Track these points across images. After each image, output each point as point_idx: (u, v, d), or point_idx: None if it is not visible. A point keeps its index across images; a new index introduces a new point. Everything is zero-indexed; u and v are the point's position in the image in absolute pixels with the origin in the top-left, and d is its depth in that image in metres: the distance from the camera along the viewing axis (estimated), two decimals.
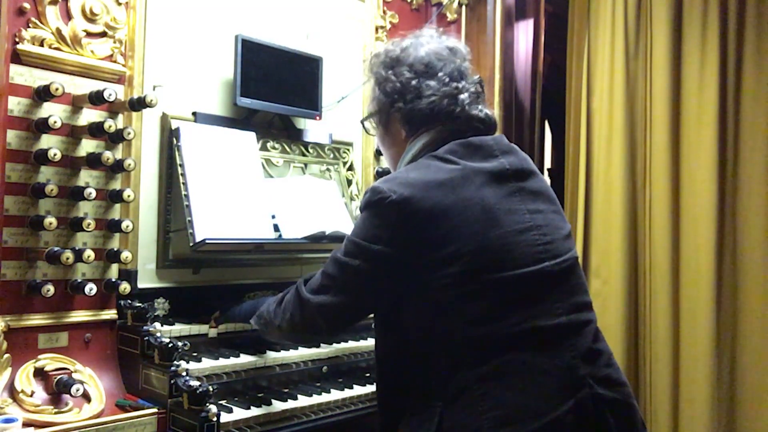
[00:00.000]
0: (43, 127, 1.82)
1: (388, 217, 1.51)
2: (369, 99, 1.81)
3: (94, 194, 1.88)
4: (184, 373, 1.82)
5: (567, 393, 1.44)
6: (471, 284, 1.46)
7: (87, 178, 1.94)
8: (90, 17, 1.98)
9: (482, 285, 1.47)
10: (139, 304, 1.98)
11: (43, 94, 1.83)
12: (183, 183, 2.11)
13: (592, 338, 1.55)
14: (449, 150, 1.59)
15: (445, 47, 1.72)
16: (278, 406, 1.96)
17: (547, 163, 3.85)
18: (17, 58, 1.84)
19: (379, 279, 1.56)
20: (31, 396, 1.74)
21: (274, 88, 2.42)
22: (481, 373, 1.44)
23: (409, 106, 1.67)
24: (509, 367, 1.45)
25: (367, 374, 2.34)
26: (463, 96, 1.66)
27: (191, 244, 2.05)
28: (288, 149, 2.54)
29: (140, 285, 2.08)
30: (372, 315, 1.70)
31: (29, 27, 1.87)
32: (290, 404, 1.99)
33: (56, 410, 1.73)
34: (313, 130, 2.62)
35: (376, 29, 2.92)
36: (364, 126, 1.85)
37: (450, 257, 1.47)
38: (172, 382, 1.80)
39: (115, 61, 2.02)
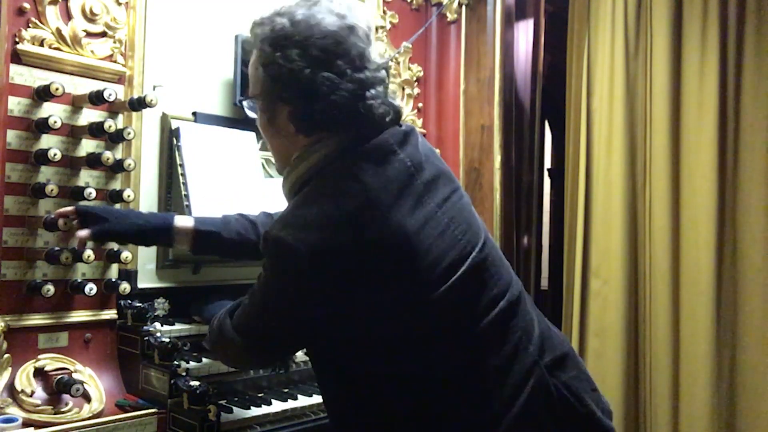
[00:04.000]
0: (43, 127, 1.82)
1: (299, 272, 1.33)
2: (251, 75, 1.53)
3: (94, 194, 1.88)
4: (184, 373, 1.82)
5: (525, 379, 1.42)
6: (412, 308, 1.38)
7: (87, 178, 1.94)
8: (90, 17, 1.97)
9: (425, 305, 1.38)
10: (139, 304, 1.98)
11: (43, 94, 1.83)
12: (183, 183, 2.11)
13: (526, 310, 1.51)
14: (348, 164, 1.39)
15: (345, 26, 1.40)
16: (278, 406, 1.96)
17: (547, 163, 3.85)
18: (17, 58, 1.83)
19: (299, 326, 1.44)
20: (31, 396, 1.74)
21: None
22: (443, 389, 1.41)
23: (300, 103, 1.39)
24: (470, 374, 1.41)
25: None
26: (370, 93, 1.40)
27: None
28: None
29: (140, 285, 2.08)
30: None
31: (29, 27, 1.87)
32: (290, 404, 1.98)
33: (56, 410, 1.73)
34: None
35: (376, 29, 2.91)
36: (242, 105, 1.62)
37: (381, 292, 1.36)
38: (172, 382, 1.80)
39: (115, 61, 2.02)
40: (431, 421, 1.42)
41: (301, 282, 1.36)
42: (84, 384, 1.78)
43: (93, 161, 1.91)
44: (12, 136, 1.81)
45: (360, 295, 1.36)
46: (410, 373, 1.41)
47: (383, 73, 1.45)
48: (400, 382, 1.42)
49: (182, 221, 1.83)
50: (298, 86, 1.38)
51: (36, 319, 1.83)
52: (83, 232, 1.73)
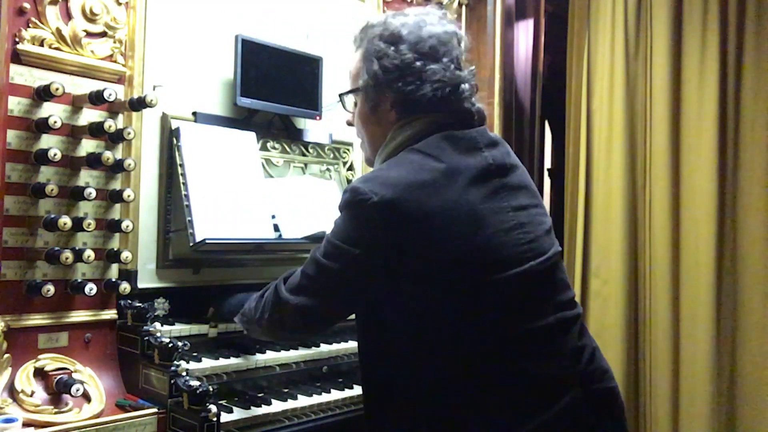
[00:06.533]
0: (43, 127, 1.81)
1: (369, 220, 1.46)
2: (354, 71, 1.71)
3: (94, 194, 1.88)
4: (184, 373, 1.82)
5: (559, 392, 1.44)
6: (458, 289, 1.44)
7: (87, 178, 1.94)
8: (90, 17, 1.97)
9: (470, 290, 1.44)
10: (139, 304, 1.98)
11: (43, 94, 1.83)
12: (183, 183, 2.11)
13: (578, 335, 1.55)
14: (433, 144, 1.54)
15: (449, 32, 1.65)
16: (278, 406, 1.96)
17: (547, 163, 3.85)
18: (17, 58, 1.83)
19: (358, 282, 1.52)
20: (31, 396, 1.73)
21: (274, 88, 2.42)
22: (473, 378, 1.44)
23: (409, 89, 1.59)
24: (501, 371, 1.44)
25: None
26: (464, 86, 1.62)
27: (191, 244, 2.05)
28: (288, 149, 2.54)
29: (140, 285, 2.08)
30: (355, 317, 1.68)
31: (29, 27, 1.86)
32: (290, 404, 1.99)
33: (56, 410, 1.73)
34: (313, 130, 2.62)
35: None
36: (342, 100, 1.75)
37: (435, 262, 1.44)
38: (172, 382, 1.80)
39: (115, 61, 2.02)
40: (456, 409, 1.44)
41: (366, 229, 1.47)
42: (84, 384, 1.78)
43: (93, 161, 1.90)
44: (12, 136, 1.81)
45: (413, 262, 1.45)
46: (441, 353, 1.47)
47: (473, 78, 1.67)
48: (432, 359, 1.47)
49: None
50: (408, 74, 1.59)
51: (36, 319, 1.83)
52: None
